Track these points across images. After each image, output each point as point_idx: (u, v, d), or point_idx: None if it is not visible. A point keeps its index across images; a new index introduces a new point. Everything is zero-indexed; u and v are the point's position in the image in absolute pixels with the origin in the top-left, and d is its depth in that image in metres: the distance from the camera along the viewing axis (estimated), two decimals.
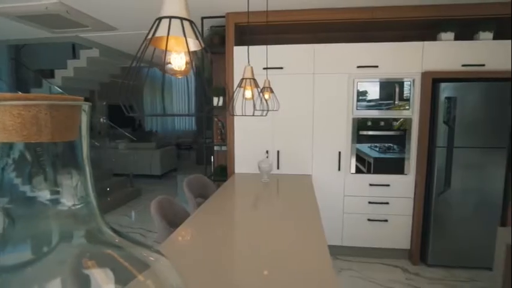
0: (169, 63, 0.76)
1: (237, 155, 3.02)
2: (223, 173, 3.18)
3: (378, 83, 2.85)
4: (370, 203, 2.94)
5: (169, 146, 7.33)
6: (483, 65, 2.72)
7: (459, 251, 2.83)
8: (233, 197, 2.40)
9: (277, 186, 2.62)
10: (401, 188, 2.90)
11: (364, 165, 2.99)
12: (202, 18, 3.08)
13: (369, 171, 2.97)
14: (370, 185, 2.92)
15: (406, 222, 2.94)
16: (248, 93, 1.43)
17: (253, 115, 1.51)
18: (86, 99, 0.31)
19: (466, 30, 2.93)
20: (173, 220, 2.00)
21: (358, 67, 2.81)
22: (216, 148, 3.51)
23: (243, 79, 1.41)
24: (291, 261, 1.29)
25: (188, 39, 0.65)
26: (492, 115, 2.71)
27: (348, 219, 2.99)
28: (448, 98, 2.72)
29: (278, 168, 2.98)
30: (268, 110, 1.62)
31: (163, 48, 0.67)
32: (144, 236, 3.65)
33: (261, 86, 2.27)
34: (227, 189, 2.53)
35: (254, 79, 1.42)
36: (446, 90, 2.72)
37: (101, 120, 7.11)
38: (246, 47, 2.86)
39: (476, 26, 2.83)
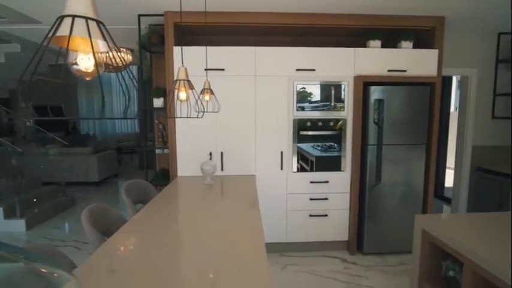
0: (76, 63, 0.70)
1: (179, 157, 2.94)
2: (165, 176, 3.06)
3: (316, 86, 3.00)
4: (311, 199, 3.09)
5: (109, 150, 6.85)
6: (405, 71, 3.03)
7: (390, 239, 3.11)
8: (174, 200, 2.33)
9: (221, 187, 2.61)
10: (339, 184, 3.10)
11: (308, 163, 3.12)
12: (139, 15, 2.93)
13: (312, 170, 3.11)
14: (311, 182, 3.07)
15: (344, 216, 3.14)
16: (182, 95, 1.40)
17: (187, 117, 1.48)
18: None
19: (391, 39, 3.24)
20: (109, 229, 1.87)
21: (297, 70, 2.93)
22: (158, 151, 3.37)
23: (176, 80, 1.37)
24: (230, 263, 1.29)
25: (99, 40, 0.61)
26: (413, 115, 3.04)
27: (291, 217, 3.10)
28: (377, 100, 2.97)
29: (222, 169, 2.97)
30: (204, 112, 1.61)
31: (72, 47, 0.62)
32: (78, 249, 3.36)
33: (202, 87, 2.24)
34: (168, 192, 2.44)
35: (188, 80, 1.39)
36: (375, 93, 2.97)
37: (27, 123, 6.37)
38: (186, 47, 2.80)
39: (399, 35, 3.14)
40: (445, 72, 3.66)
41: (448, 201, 4.59)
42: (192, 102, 1.60)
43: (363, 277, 2.75)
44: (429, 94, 3.05)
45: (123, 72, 0.75)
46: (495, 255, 1.36)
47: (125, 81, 0.71)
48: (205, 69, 2.58)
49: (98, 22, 0.63)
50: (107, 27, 0.69)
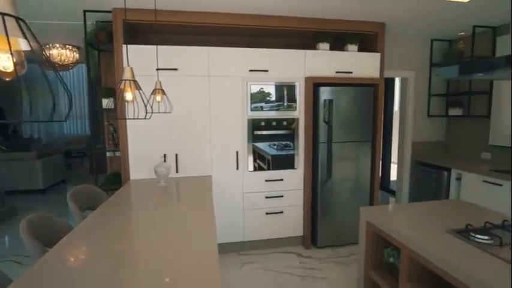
0: None
1: (131, 160, 2.84)
2: (117, 180, 2.94)
3: (269, 86, 3.08)
4: (267, 197, 3.16)
5: (56, 154, 6.36)
6: (351, 72, 3.23)
7: (341, 231, 3.29)
8: (125, 204, 2.25)
9: (176, 189, 2.58)
10: (293, 181, 3.21)
11: (265, 162, 3.19)
12: (85, 11, 2.78)
13: (269, 168, 3.18)
14: (266, 180, 3.14)
15: (299, 212, 3.26)
16: (129, 96, 1.37)
17: (135, 118, 1.45)
18: None
19: (338, 42, 3.43)
20: (53, 240, 1.75)
21: (251, 71, 2.98)
22: (109, 154, 3.22)
23: (122, 80, 1.33)
24: (181, 270, 1.29)
25: (20, 39, 0.59)
26: (360, 114, 3.25)
27: (248, 215, 3.14)
28: (326, 100, 3.13)
29: (177, 171, 2.92)
30: (152, 113, 1.58)
31: None
32: (20, 264, 3.09)
33: (153, 87, 2.19)
34: (120, 197, 2.35)
35: (135, 80, 1.36)
36: (324, 93, 3.13)
37: None
38: (137, 46, 2.72)
39: (345, 39, 3.34)
40: (388, 74, 3.96)
41: (393, 193, 4.97)
42: (141, 103, 1.56)
43: (317, 269, 2.89)
44: (373, 94, 3.28)
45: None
46: (426, 240, 1.51)
47: (63, 83, 0.68)
48: (157, 69, 2.52)
49: (17, 19, 0.60)
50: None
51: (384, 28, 3.33)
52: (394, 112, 5.55)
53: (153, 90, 2.18)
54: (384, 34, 3.35)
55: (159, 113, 2.23)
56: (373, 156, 3.34)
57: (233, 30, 3.12)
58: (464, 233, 1.54)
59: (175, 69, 2.82)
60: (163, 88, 2.22)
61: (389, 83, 5.49)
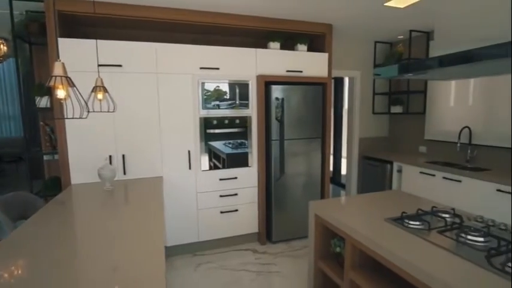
0: None
1: (72, 163, 2.63)
2: (55, 186, 2.71)
3: (221, 84, 3.05)
4: (221, 196, 3.14)
5: None
6: (301, 72, 3.33)
7: (295, 225, 3.39)
8: (65, 211, 2.08)
9: (123, 192, 2.44)
10: (247, 178, 3.23)
11: (220, 161, 3.16)
12: None
13: (224, 167, 3.16)
14: (220, 179, 3.12)
15: (253, 209, 3.29)
16: (61, 93, 1.25)
17: (69, 118, 1.34)
18: None
19: (289, 41, 3.51)
20: None
21: (202, 68, 2.93)
22: (46, 158, 2.95)
23: (52, 77, 1.22)
24: (127, 272, 1.23)
25: None
26: (310, 112, 3.36)
27: (203, 215, 3.10)
28: (278, 98, 3.19)
29: (125, 173, 2.77)
30: (89, 112, 1.47)
31: None
32: None
33: (94, 84, 2.05)
34: (58, 203, 2.16)
35: (67, 77, 1.25)
36: (276, 92, 3.19)
37: None
38: (74, 39, 2.52)
39: (295, 39, 3.43)
40: (336, 73, 4.16)
41: (344, 186, 5.24)
42: (81, 101, 1.44)
43: (271, 264, 2.94)
44: (322, 93, 3.42)
45: None
46: (366, 229, 1.61)
47: None
48: (98, 65, 2.36)
49: None
50: None
51: (331, 29, 3.48)
52: (344, 110, 5.85)
53: (93, 88, 2.04)
54: (332, 35, 3.50)
55: (100, 112, 2.09)
56: (323, 152, 3.48)
57: (183, 26, 3.03)
58: (400, 220, 1.67)
59: (120, 66, 2.66)
60: (105, 85, 2.09)
61: (339, 82, 5.77)
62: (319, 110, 3.41)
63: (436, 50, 1.53)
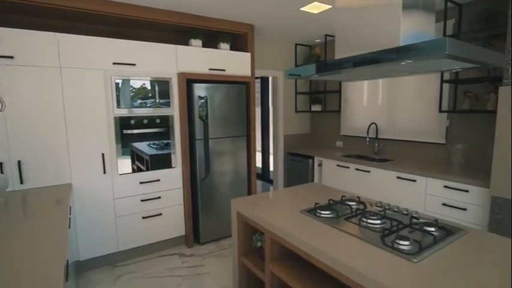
0: None
1: None
2: None
3: (139, 82, 2.86)
4: (143, 200, 2.95)
5: None
6: (224, 70, 3.32)
7: (223, 224, 3.37)
8: None
9: (20, 205, 2.10)
10: (171, 180, 3.10)
11: (143, 163, 2.96)
12: None
13: (147, 169, 2.97)
14: (141, 183, 2.93)
15: (179, 211, 3.18)
16: None
17: None
18: None
19: (211, 39, 3.47)
20: None
21: (115, 64, 2.70)
22: None
23: None
24: None
25: None
26: (234, 111, 3.38)
27: (122, 222, 2.87)
28: (201, 97, 3.13)
29: (22, 182, 2.40)
30: None
31: None
32: None
33: None
34: None
35: None
36: (199, 90, 3.12)
37: None
38: None
39: (218, 37, 3.40)
40: (260, 73, 4.27)
41: (272, 182, 5.42)
42: None
43: (199, 266, 2.87)
44: (245, 92, 3.47)
45: None
46: (282, 222, 1.67)
47: None
48: None
49: None
50: None
51: (253, 29, 3.54)
52: (270, 108, 6.05)
53: None
54: (254, 35, 3.57)
55: None
56: (248, 150, 3.53)
57: (91, 16, 2.75)
58: (313, 211, 1.78)
59: (11, 57, 2.29)
60: None
61: (265, 81, 5.94)
62: (244, 108, 3.45)
63: (338, 54, 1.67)
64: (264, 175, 6.12)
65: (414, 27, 1.35)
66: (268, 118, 5.99)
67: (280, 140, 4.62)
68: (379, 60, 1.24)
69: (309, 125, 4.95)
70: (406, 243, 1.30)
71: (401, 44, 1.29)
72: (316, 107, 4.63)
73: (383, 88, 3.77)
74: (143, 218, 2.96)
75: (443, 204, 2.71)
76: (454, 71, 2.22)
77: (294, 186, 2.42)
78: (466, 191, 2.55)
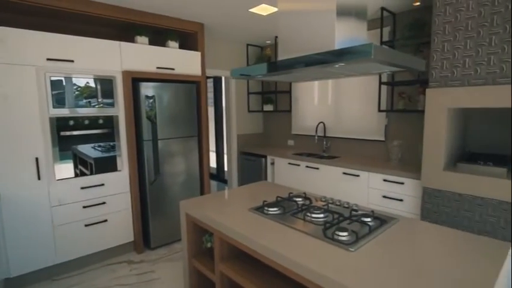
0: None
1: None
2: None
3: (79, 80, 2.67)
4: (85, 207, 2.76)
5: None
6: (173, 69, 3.24)
7: (175, 227, 3.29)
8: None
9: None
10: (117, 184, 2.94)
11: (87, 167, 2.76)
12: None
13: (91, 173, 2.78)
14: (83, 188, 2.74)
15: (127, 216, 3.03)
16: None
17: None
18: None
19: (159, 37, 3.36)
20: None
21: (49, 60, 2.49)
22: None
23: None
24: None
25: None
26: (185, 111, 3.31)
27: (61, 232, 2.65)
28: (148, 96, 3.02)
29: None
30: None
31: None
32: None
33: None
34: None
35: None
36: (146, 89, 3.00)
37: None
38: None
39: (166, 35, 3.30)
40: (212, 72, 4.24)
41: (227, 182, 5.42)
42: None
43: (149, 272, 2.76)
44: (196, 91, 3.42)
45: None
46: (230, 221, 1.68)
47: None
48: None
49: None
50: None
51: (203, 28, 3.50)
52: (223, 108, 6.03)
53: None
54: (204, 34, 3.53)
55: None
56: (200, 150, 3.49)
57: (22, 7, 2.50)
58: (261, 208, 1.81)
59: None
60: None
61: (218, 81, 5.91)
62: (195, 108, 3.40)
63: (280, 56, 1.72)
64: (219, 175, 6.09)
65: (348, 33, 1.45)
66: (222, 118, 5.97)
67: (233, 139, 4.63)
68: (315, 63, 1.31)
69: (261, 125, 5.04)
70: (345, 234, 1.39)
71: (336, 48, 1.37)
72: (268, 107, 4.72)
73: (331, 89, 3.97)
74: (86, 225, 2.77)
75: (384, 196, 2.94)
76: (384, 73, 2.43)
77: (244, 186, 2.44)
78: (402, 183, 2.79)
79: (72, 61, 2.59)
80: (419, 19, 2.91)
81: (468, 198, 2.31)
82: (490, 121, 2.60)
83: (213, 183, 5.80)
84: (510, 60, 2.05)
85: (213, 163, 6.06)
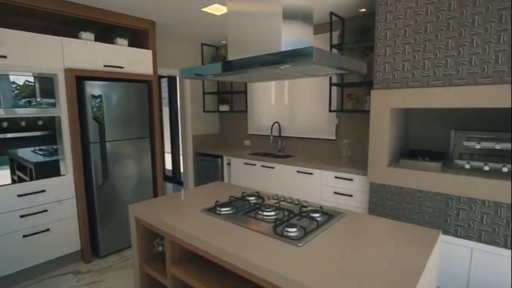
0: None
1: None
2: None
3: (14, 77, 2.43)
4: (23, 216, 2.52)
5: None
6: (122, 67, 3.09)
7: (126, 233, 3.14)
8: None
9: None
10: (60, 190, 2.73)
11: (27, 173, 2.52)
12: None
13: (32, 179, 2.54)
14: (19, 196, 2.50)
15: (73, 224, 2.83)
16: None
17: None
18: None
19: (106, 34, 3.18)
20: None
21: None
22: None
23: None
24: None
25: None
26: (135, 111, 3.17)
27: None
28: (95, 96, 2.85)
29: None
30: None
31: None
32: None
33: None
34: None
35: None
36: (92, 88, 2.83)
37: None
38: None
39: (114, 32, 3.14)
40: (164, 72, 4.12)
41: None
42: None
43: (98, 282, 2.61)
44: (147, 91, 3.29)
45: None
46: (182, 223, 1.64)
47: None
48: None
49: None
50: None
51: (154, 26, 3.39)
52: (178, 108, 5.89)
53: None
54: (155, 32, 3.42)
55: None
56: (152, 151, 3.37)
57: None
58: (213, 209, 1.80)
59: None
60: None
61: (172, 81, 5.75)
62: (146, 108, 3.27)
63: (230, 56, 1.73)
64: (175, 177, 5.93)
65: (294, 36, 1.50)
66: (177, 118, 5.82)
67: (189, 140, 4.54)
68: (262, 63, 1.34)
69: (217, 125, 5.01)
70: (294, 230, 1.44)
71: (282, 50, 1.41)
72: (224, 107, 4.70)
73: (287, 90, 4.06)
74: (24, 236, 2.53)
75: (335, 193, 3.08)
76: (334, 75, 2.55)
77: (198, 187, 2.41)
78: (351, 179, 2.95)
79: (5, 57, 2.36)
80: (365, 25, 3.11)
81: (409, 191, 2.51)
82: (428, 121, 2.86)
83: (169, 186, 5.64)
84: (442, 64, 2.27)
85: (168, 165, 5.89)
